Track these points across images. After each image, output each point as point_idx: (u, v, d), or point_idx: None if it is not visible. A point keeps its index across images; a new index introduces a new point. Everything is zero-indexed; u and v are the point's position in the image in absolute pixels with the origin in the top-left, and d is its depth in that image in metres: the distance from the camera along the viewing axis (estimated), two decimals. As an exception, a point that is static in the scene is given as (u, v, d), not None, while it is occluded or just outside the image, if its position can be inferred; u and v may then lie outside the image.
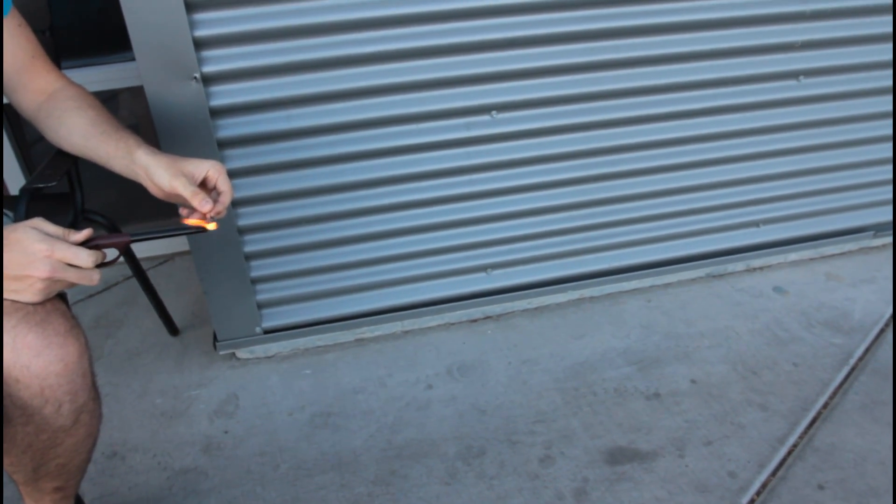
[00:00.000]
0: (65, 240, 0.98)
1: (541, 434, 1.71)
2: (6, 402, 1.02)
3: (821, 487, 1.58)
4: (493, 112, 1.71)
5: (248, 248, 1.75)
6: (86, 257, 0.97)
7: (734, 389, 1.82)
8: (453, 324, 2.06)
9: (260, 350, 1.93)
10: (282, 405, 1.81)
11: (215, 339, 1.87)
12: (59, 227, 0.99)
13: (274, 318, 1.88)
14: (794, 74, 1.86)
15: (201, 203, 1.10)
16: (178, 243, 2.44)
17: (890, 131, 2.06)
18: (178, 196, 1.13)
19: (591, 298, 2.13)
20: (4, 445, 1.08)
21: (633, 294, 2.16)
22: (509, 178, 1.82)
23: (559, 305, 2.11)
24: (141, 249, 2.27)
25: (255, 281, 1.80)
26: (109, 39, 2.15)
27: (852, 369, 1.86)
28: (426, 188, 1.77)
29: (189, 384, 1.88)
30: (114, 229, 1.70)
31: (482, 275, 1.97)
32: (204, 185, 1.13)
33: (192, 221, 1.12)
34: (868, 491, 1.56)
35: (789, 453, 1.66)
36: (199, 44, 1.46)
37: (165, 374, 1.92)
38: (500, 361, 1.93)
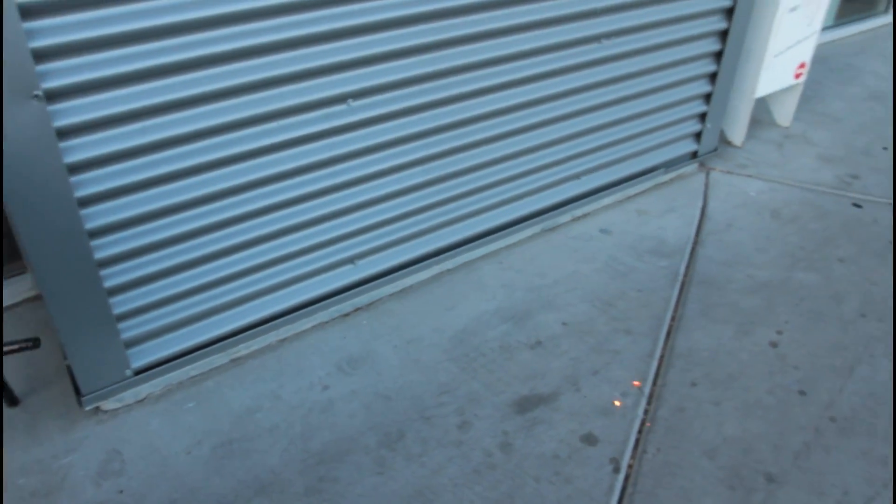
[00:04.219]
0: None
1: (449, 404, 1.76)
2: None
3: (694, 384, 1.83)
4: (350, 100, 1.70)
5: (110, 283, 1.56)
6: None
7: (599, 322, 2.02)
8: (326, 322, 2.02)
9: (129, 396, 1.73)
10: (175, 446, 1.65)
11: (78, 393, 1.65)
12: None
13: (144, 356, 1.70)
14: (596, 38, 2.09)
15: None
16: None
17: (666, 80, 2.39)
18: None
19: (449, 271, 2.21)
20: None
21: (486, 259, 2.28)
22: (368, 165, 1.83)
23: (422, 283, 2.16)
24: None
25: (119, 318, 1.61)
26: None
27: (682, 285, 2.16)
28: (290, 187, 1.72)
29: (55, 453, 1.64)
30: None
31: (350, 267, 1.96)
32: None
33: None
34: (728, 378, 1.84)
35: (660, 364, 1.89)
36: (40, 55, 1.27)
37: (20, 450, 1.65)
38: (385, 347, 1.93)
